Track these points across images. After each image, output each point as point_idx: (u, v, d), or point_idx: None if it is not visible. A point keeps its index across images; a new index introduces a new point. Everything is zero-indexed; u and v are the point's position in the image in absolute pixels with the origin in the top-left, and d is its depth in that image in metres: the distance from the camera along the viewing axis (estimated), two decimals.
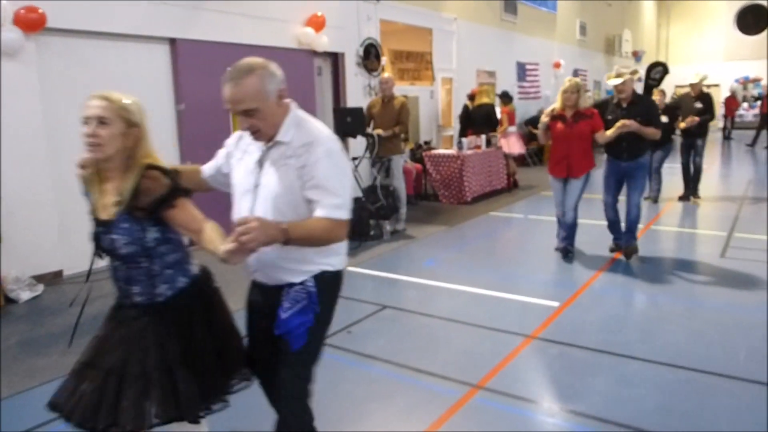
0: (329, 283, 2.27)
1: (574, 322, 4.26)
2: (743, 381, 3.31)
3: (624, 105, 5.52)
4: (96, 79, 6.04)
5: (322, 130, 2.20)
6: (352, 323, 4.35)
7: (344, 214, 2.10)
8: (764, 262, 5.48)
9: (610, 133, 5.39)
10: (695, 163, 8.74)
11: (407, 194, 9.33)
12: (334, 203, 2.07)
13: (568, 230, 5.87)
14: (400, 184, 7.28)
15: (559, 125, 5.60)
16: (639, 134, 5.39)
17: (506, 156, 10.50)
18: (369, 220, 7.00)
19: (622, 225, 5.80)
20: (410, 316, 4.50)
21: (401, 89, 10.41)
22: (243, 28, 7.31)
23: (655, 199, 8.73)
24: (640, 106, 5.54)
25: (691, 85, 8.63)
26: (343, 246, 2.28)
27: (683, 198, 8.82)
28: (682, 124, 8.39)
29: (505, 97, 11.63)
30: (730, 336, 3.93)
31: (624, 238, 5.80)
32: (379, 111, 7.17)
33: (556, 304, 4.61)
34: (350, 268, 5.90)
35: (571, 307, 4.56)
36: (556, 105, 5.62)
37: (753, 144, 17.21)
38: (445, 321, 4.38)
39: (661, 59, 23.25)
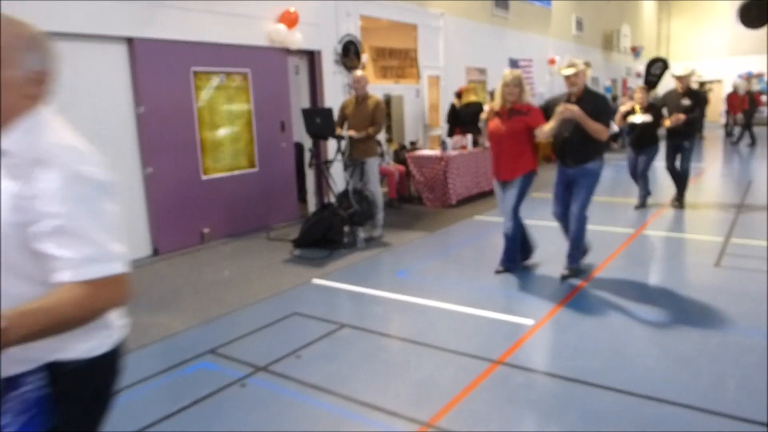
0: (80, 379, 1.49)
1: (547, 345, 3.86)
2: (736, 419, 2.88)
3: (573, 100, 4.91)
4: None
5: (67, 144, 1.45)
6: (304, 345, 3.95)
7: (106, 268, 1.37)
8: (764, 272, 5.05)
9: (547, 127, 4.87)
10: (681, 168, 7.92)
11: (390, 198, 8.96)
12: (85, 255, 1.34)
13: (507, 244, 5.31)
14: (376, 188, 6.87)
15: (493, 122, 5.15)
16: (585, 137, 4.80)
17: None
18: (342, 227, 6.60)
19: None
20: (369, 338, 4.09)
21: (384, 87, 10.02)
22: (208, 26, 6.91)
23: (641, 204, 8.13)
24: (589, 102, 4.86)
25: (678, 79, 7.84)
26: (114, 318, 1.59)
27: (676, 204, 8.13)
28: (667, 122, 7.69)
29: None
30: (721, 363, 3.50)
31: (567, 259, 5.20)
32: (353, 111, 6.76)
33: (530, 322, 4.19)
34: (315, 281, 5.53)
35: (546, 326, 4.14)
36: (495, 101, 5.16)
37: (737, 141, 16.97)
38: (407, 343, 3.97)
39: (662, 55, 22.78)
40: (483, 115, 5.34)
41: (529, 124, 4.99)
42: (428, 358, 3.74)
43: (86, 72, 5.96)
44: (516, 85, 4.99)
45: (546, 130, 4.89)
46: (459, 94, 10.30)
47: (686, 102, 7.71)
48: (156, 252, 6.67)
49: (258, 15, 7.48)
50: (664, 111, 7.89)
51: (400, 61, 10.42)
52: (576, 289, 4.89)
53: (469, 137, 9.35)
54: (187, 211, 6.89)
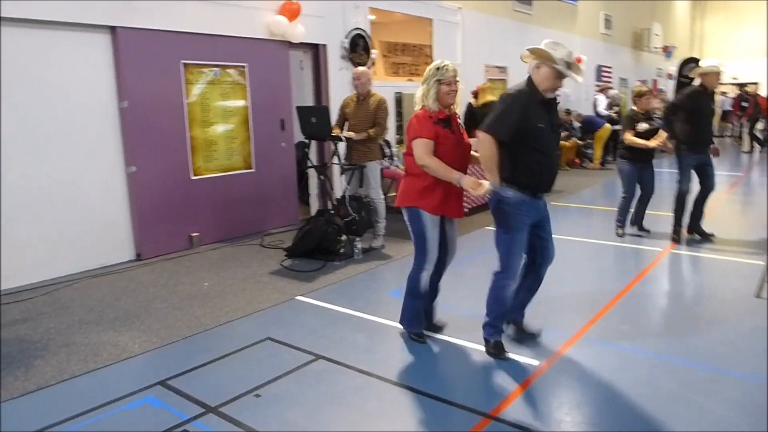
0: None
1: (553, 394, 3.26)
2: None
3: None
4: (18, 73, 5.24)
5: None
6: (268, 381, 3.43)
7: None
8: None
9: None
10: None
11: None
12: None
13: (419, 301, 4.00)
14: (377, 195, 6.32)
15: (443, 132, 3.65)
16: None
17: None
18: (338, 237, 6.07)
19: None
20: (344, 374, 3.54)
21: (396, 85, 9.47)
22: (201, 15, 6.43)
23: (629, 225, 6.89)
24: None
25: (702, 77, 6.15)
26: None
27: (691, 231, 6.59)
28: (652, 142, 6.37)
29: None
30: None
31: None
32: (353, 110, 6.22)
33: (535, 363, 3.61)
34: (299, 298, 5.00)
35: (553, 368, 3.56)
36: (428, 101, 3.67)
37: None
38: (387, 384, 3.41)
39: (695, 55, 21.80)
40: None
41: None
42: (409, 406, 3.17)
43: (65, 63, 5.54)
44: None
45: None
46: (476, 94, 9.69)
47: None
48: (139, 257, 6.21)
49: (256, 5, 6.98)
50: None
51: (413, 57, 9.84)
52: (594, 320, 4.29)
53: None
54: (174, 214, 6.43)
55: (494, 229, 3.67)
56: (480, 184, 3.40)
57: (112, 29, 5.81)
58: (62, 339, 4.17)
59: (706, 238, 6.43)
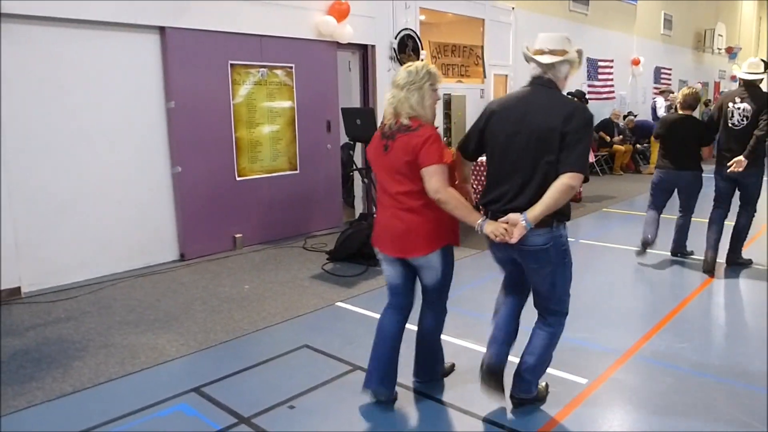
0: None
1: (602, 415, 3.03)
2: None
3: None
4: (68, 72, 5.32)
5: None
6: (303, 392, 3.31)
7: None
8: None
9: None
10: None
11: None
12: None
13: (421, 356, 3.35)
14: None
15: (374, 146, 3.03)
16: None
17: None
18: None
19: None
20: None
21: (446, 87, 9.27)
22: (248, 16, 6.40)
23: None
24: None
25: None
26: None
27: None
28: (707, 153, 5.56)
29: (579, 97, 10.07)
30: None
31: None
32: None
33: (583, 381, 3.38)
34: (339, 304, 4.88)
35: (603, 387, 3.32)
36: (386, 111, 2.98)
37: None
38: (428, 401, 3.25)
39: (762, 57, 20.78)
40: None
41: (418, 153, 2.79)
42: (453, 425, 3.01)
43: (115, 63, 5.58)
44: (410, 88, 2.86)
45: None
46: None
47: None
48: (182, 257, 6.23)
49: (305, 6, 6.92)
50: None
51: (463, 58, 9.62)
52: (647, 336, 4.01)
53: None
54: (218, 215, 6.42)
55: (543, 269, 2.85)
56: (516, 226, 2.62)
57: (161, 30, 5.83)
58: (102, 340, 4.16)
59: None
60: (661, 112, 13.36)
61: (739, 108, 5.22)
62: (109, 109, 5.59)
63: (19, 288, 5.15)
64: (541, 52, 2.78)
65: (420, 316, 3.23)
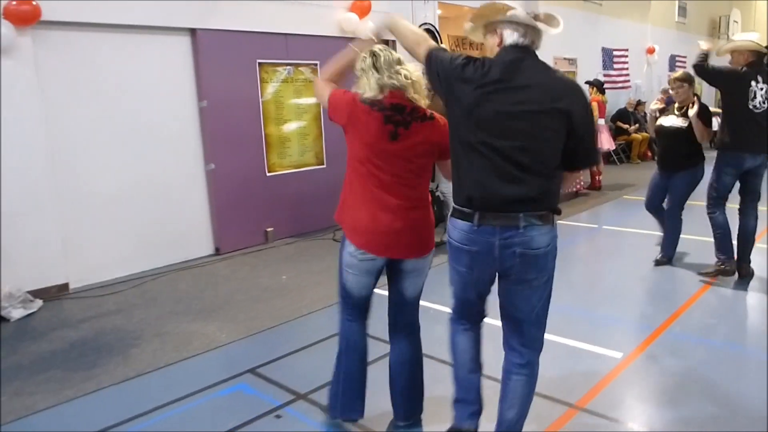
0: None
1: (639, 387, 3.20)
2: None
3: None
4: (106, 75, 5.54)
5: None
6: None
7: None
8: None
9: None
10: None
11: None
12: None
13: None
14: (448, 188, 6.32)
15: (370, 128, 2.57)
16: None
17: None
18: None
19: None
20: (426, 365, 3.57)
21: None
22: (274, 16, 6.59)
23: (664, 260, 5.37)
24: None
25: (733, 55, 4.84)
26: None
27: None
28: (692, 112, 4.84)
29: (597, 86, 10.10)
30: None
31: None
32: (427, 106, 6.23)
33: (618, 355, 3.54)
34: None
35: (637, 361, 3.48)
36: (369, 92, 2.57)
37: None
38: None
39: None
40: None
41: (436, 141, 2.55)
42: (489, 395, 3.18)
43: (149, 65, 5.80)
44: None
45: None
46: None
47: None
48: (218, 251, 6.45)
49: (328, 4, 7.10)
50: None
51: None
52: (677, 313, 4.17)
53: None
54: (250, 209, 6.63)
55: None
56: None
57: (192, 31, 6.04)
58: (154, 329, 4.38)
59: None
60: None
61: (762, 89, 4.61)
62: (145, 110, 5.80)
63: (67, 284, 5.39)
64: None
65: (396, 346, 2.81)
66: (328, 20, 7.13)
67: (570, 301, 4.54)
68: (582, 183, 9.28)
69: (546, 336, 3.56)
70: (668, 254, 5.30)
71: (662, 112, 5.15)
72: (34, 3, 4.84)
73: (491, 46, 2.34)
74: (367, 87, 2.51)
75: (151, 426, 3.04)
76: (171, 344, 4.07)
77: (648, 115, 5.26)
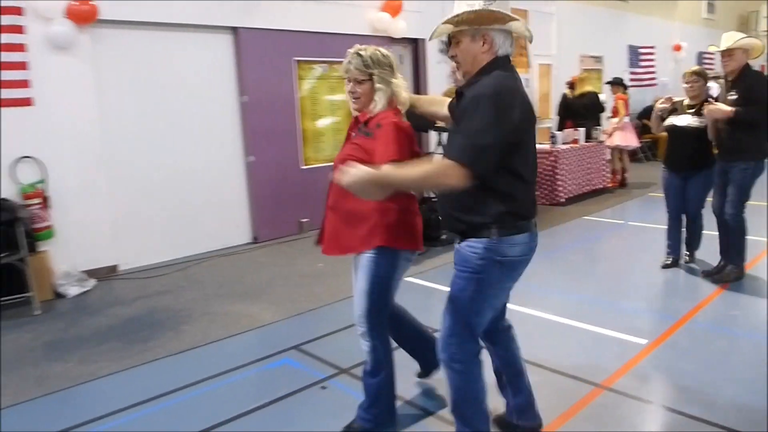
0: None
1: (662, 371, 3.40)
2: None
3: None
4: (154, 71, 5.86)
5: None
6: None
7: None
8: None
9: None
10: (726, 214, 4.72)
11: None
12: None
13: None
14: None
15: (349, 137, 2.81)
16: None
17: (619, 150, 9.42)
18: (439, 224, 6.34)
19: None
20: None
21: None
22: (310, 15, 6.87)
23: (672, 263, 5.28)
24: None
25: (722, 56, 4.62)
26: None
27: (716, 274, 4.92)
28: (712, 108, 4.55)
29: (620, 84, 10.21)
30: None
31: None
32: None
33: (643, 342, 3.74)
34: (408, 279, 5.32)
35: (661, 348, 3.68)
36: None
37: None
38: None
39: None
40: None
41: (370, 153, 2.53)
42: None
43: (194, 61, 6.11)
44: (361, 72, 2.64)
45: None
46: (571, 84, 9.66)
47: (733, 96, 4.53)
48: (256, 240, 6.75)
49: (361, 3, 7.35)
50: None
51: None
52: (701, 305, 4.35)
53: (582, 131, 8.75)
54: (286, 200, 6.92)
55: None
56: None
57: (234, 30, 6.33)
58: (202, 308, 4.68)
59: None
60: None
61: None
62: (190, 104, 6.12)
63: (116, 266, 5.73)
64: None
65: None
66: (361, 19, 7.38)
67: (597, 292, 4.75)
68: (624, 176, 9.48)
69: (572, 323, 3.80)
70: (693, 250, 5.35)
71: (671, 112, 4.98)
72: (92, 3, 5.16)
73: (474, 52, 2.25)
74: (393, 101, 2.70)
75: (206, 393, 3.33)
76: (218, 322, 4.37)
77: (653, 114, 5.09)
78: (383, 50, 2.67)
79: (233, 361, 3.70)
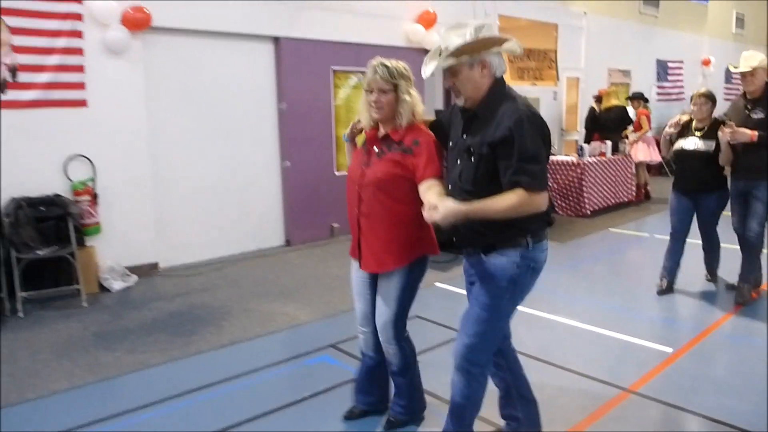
0: None
1: (687, 377, 3.52)
2: None
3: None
4: (199, 76, 6.12)
5: None
6: (423, 350, 3.89)
7: None
8: None
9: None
10: (749, 231, 4.74)
11: None
12: None
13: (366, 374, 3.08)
14: None
15: (356, 156, 2.88)
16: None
17: (639, 164, 9.50)
18: None
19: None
20: None
21: (521, 89, 9.68)
22: (348, 26, 7.09)
23: (712, 278, 5.33)
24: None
25: (742, 77, 4.60)
26: None
27: (739, 295, 4.83)
28: (724, 133, 4.45)
29: (641, 99, 10.27)
30: None
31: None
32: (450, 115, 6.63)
33: (668, 350, 3.87)
34: (438, 284, 5.48)
35: (686, 356, 3.80)
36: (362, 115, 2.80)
37: None
38: (529, 359, 3.78)
39: None
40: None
41: (411, 169, 2.61)
42: (551, 377, 3.56)
43: (237, 68, 6.37)
44: (387, 82, 2.65)
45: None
46: (599, 98, 9.78)
47: (758, 114, 4.53)
48: (288, 242, 6.97)
49: (397, 15, 7.56)
50: None
51: (538, 62, 10.08)
52: (726, 317, 4.45)
53: (609, 144, 8.85)
54: (319, 205, 7.13)
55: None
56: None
57: (276, 39, 6.58)
58: (240, 306, 4.90)
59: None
60: None
61: None
62: (232, 110, 6.37)
63: (156, 264, 5.98)
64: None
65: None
66: (396, 31, 7.59)
67: (623, 302, 4.88)
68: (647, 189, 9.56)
69: (600, 330, 3.92)
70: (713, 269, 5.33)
71: (679, 134, 4.87)
72: (146, 11, 5.43)
73: (475, 79, 2.32)
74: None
75: (248, 385, 3.53)
76: (257, 320, 4.57)
77: (662, 138, 5.04)
78: (404, 64, 2.76)
79: (273, 357, 3.90)
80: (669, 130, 4.81)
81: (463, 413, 2.56)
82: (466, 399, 2.52)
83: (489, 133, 2.28)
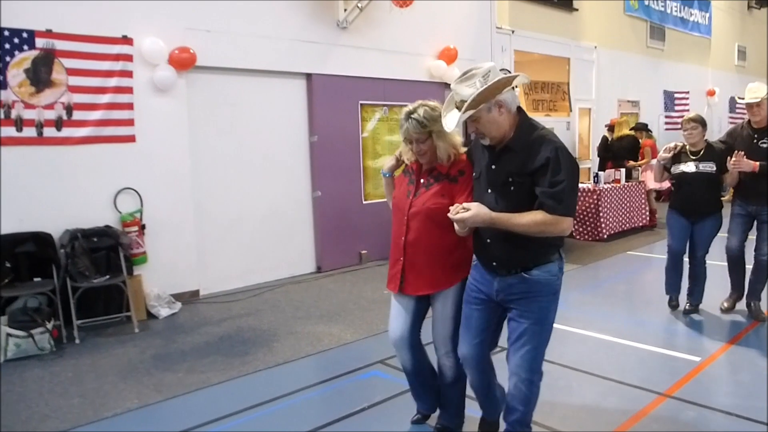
0: None
1: (717, 382, 3.77)
2: None
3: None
4: (237, 112, 6.48)
5: None
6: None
7: None
8: None
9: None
10: (759, 254, 4.92)
11: None
12: None
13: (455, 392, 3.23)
14: None
15: (401, 186, 3.08)
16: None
17: (649, 191, 9.80)
18: None
19: None
20: None
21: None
22: (374, 63, 7.50)
23: (691, 309, 5.22)
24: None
25: (749, 108, 4.80)
26: None
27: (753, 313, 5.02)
28: (732, 164, 4.65)
29: (645, 129, 10.63)
30: None
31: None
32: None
33: (697, 359, 4.11)
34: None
35: (715, 363, 4.04)
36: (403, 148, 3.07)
37: None
38: (568, 370, 4.05)
39: None
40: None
41: (454, 196, 2.84)
42: (591, 385, 3.80)
43: (271, 103, 6.75)
44: (420, 133, 2.84)
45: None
46: (611, 127, 10.13)
47: (766, 144, 4.73)
48: (319, 269, 7.25)
49: (420, 52, 7.98)
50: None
51: (551, 94, 10.48)
52: (748, 329, 4.69)
53: (623, 171, 9.17)
54: (348, 233, 7.43)
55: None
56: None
57: (308, 76, 6.98)
58: (286, 329, 5.15)
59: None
60: None
61: None
62: (267, 142, 6.73)
63: (198, 291, 6.25)
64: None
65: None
66: (419, 67, 8.00)
67: (648, 317, 5.12)
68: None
69: (630, 342, 4.16)
70: (697, 301, 5.24)
71: (674, 160, 4.98)
72: (191, 51, 5.83)
73: (495, 119, 2.53)
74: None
75: (305, 400, 3.77)
76: (304, 341, 4.82)
77: (656, 164, 5.20)
78: (430, 104, 2.87)
79: (325, 373, 4.15)
80: (663, 155, 4.98)
81: (529, 419, 2.79)
82: (532, 405, 2.75)
83: (527, 163, 2.50)
